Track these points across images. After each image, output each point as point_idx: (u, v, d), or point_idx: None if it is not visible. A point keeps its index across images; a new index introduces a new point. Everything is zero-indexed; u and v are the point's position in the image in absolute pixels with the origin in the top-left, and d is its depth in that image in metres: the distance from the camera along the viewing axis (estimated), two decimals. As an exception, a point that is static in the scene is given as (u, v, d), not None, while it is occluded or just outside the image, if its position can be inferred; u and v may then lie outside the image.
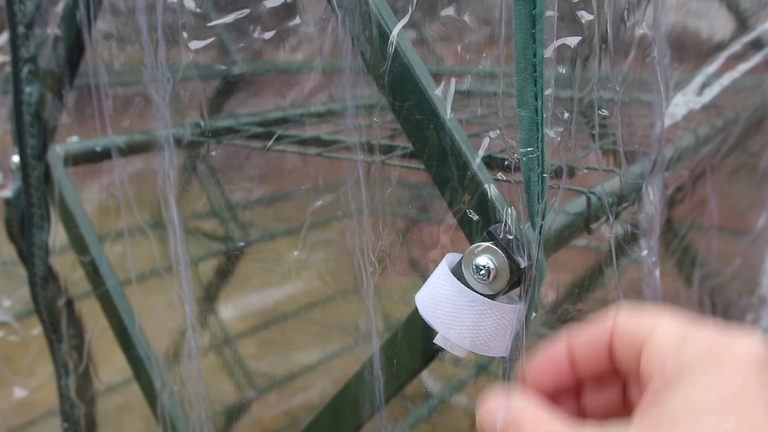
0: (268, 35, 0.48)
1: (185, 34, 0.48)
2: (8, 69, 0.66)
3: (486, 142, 0.37)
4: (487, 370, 1.25)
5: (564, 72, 0.35)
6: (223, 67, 0.67)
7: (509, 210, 0.37)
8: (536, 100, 0.34)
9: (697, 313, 0.57)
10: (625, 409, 0.32)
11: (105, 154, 0.65)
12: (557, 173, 0.38)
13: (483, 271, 0.35)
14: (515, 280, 0.35)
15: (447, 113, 0.39)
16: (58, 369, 0.71)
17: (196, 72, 0.52)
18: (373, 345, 0.44)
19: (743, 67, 0.57)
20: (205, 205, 0.89)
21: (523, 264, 0.35)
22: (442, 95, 0.39)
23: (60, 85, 0.62)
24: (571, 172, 0.40)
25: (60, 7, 0.60)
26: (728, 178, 0.84)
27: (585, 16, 0.37)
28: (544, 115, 0.34)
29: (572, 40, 0.35)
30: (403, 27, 0.39)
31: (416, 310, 0.37)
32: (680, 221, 0.74)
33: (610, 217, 0.45)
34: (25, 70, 0.61)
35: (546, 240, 0.37)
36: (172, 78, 0.50)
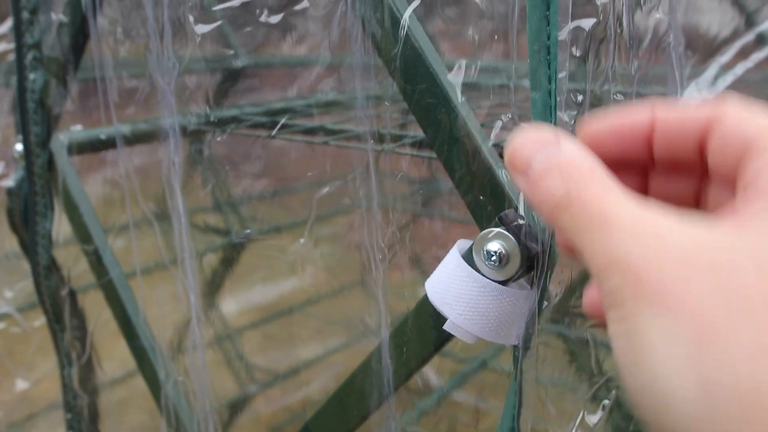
0: (274, 19, 0.48)
1: (191, 17, 0.47)
2: (11, 59, 0.65)
3: (498, 125, 0.37)
4: (488, 365, 1.25)
5: (578, 55, 0.35)
6: (231, 53, 0.66)
7: (521, 195, 0.36)
8: (550, 83, 0.33)
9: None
10: (696, 205, 0.27)
11: (109, 143, 0.65)
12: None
13: (494, 257, 0.35)
14: (527, 266, 0.35)
15: (458, 98, 0.38)
16: (61, 359, 0.70)
17: (204, 65, 0.52)
18: (382, 333, 0.43)
19: (757, 56, 0.56)
20: (209, 196, 0.88)
21: (535, 250, 0.35)
22: (453, 81, 0.38)
23: (64, 72, 0.61)
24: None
25: (65, -6, 0.60)
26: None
27: (600, -1, 0.37)
28: (558, 99, 0.34)
29: (587, 22, 0.35)
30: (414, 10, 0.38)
31: (426, 296, 0.37)
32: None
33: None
34: (29, 57, 0.61)
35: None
36: (177, 64, 0.49)
